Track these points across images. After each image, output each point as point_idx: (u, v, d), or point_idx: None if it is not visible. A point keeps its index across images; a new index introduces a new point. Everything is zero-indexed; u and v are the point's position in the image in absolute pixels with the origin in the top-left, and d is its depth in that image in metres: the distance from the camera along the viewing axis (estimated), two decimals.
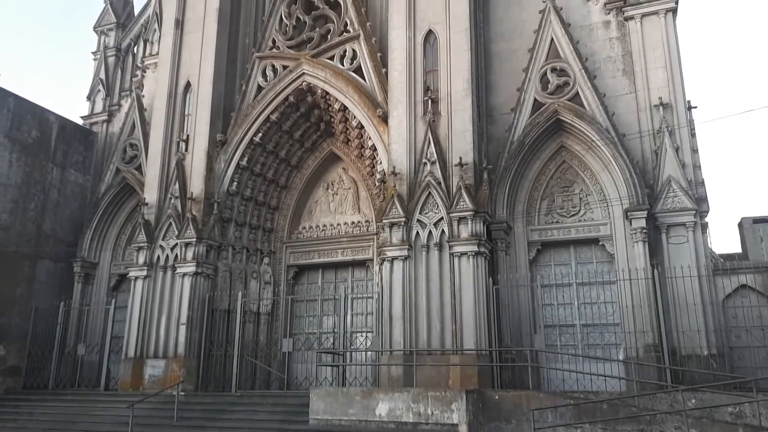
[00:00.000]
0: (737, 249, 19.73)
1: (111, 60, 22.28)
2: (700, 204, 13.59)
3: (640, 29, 14.99)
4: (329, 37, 17.64)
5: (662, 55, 14.57)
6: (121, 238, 20.42)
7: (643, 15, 15.07)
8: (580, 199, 14.99)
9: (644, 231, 13.54)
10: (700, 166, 14.01)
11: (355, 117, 16.88)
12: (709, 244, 14.02)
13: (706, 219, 13.81)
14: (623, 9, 15.35)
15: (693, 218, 13.32)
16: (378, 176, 16.46)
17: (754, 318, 13.01)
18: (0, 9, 54.10)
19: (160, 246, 17.24)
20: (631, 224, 13.76)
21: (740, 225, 19.36)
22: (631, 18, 15.19)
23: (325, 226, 18.71)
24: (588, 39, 15.57)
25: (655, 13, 14.95)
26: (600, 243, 14.57)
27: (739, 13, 52.98)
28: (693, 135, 14.24)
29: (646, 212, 13.51)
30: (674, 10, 14.91)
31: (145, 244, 17.30)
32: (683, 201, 13.33)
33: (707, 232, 13.85)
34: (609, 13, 15.64)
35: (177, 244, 16.95)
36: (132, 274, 17.40)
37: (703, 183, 13.90)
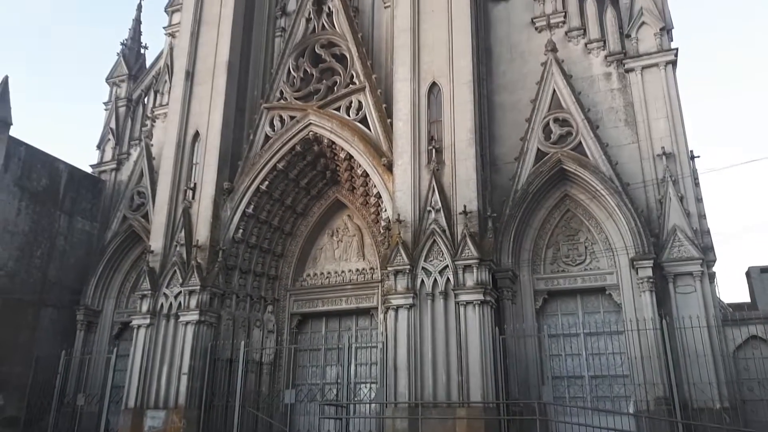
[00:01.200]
0: (745, 298, 19.52)
1: (122, 110, 22.79)
2: (707, 253, 13.51)
3: (640, 81, 15.28)
4: (336, 88, 18.02)
5: (663, 106, 14.80)
6: (126, 286, 20.39)
7: (644, 67, 15.38)
8: (586, 247, 14.95)
9: (651, 280, 13.43)
10: (705, 216, 14.02)
11: (360, 165, 17.05)
12: (717, 293, 13.89)
13: (714, 268, 13.71)
14: (624, 61, 15.69)
15: (700, 267, 13.22)
16: (383, 223, 16.49)
17: (766, 370, 12.72)
18: (16, 63, 55.79)
19: (164, 294, 17.17)
20: (637, 273, 13.66)
21: (748, 274, 19.20)
22: (632, 70, 15.50)
23: (329, 273, 18.64)
24: (590, 90, 15.85)
25: (656, 65, 15.26)
26: (607, 292, 14.44)
27: (741, 60, 54.01)
28: (697, 184, 14.32)
29: (652, 261, 13.43)
30: (674, 63, 15.23)
31: (149, 291, 17.23)
32: (689, 250, 13.27)
33: (715, 282, 13.73)
34: (610, 66, 15.98)
35: (181, 291, 16.89)
36: (135, 322, 17.26)
37: (708, 232, 13.87)
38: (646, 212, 14.12)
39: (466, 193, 14.73)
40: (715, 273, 13.76)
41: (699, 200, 14.18)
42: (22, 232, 18.94)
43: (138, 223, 19.82)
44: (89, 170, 22.13)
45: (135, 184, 20.50)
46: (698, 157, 14.86)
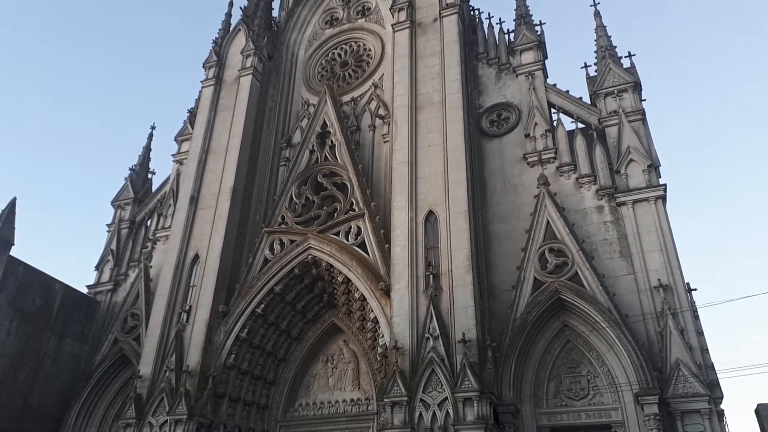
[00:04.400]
0: None
1: (124, 232, 23.15)
2: (713, 389, 13.11)
3: (632, 214, 15.71)
4: (336, 214, 18.49)
5: (656, 239, 15.11)
6: (110, 413, 19.43)
7: (635, 201, 15.88)
8: (588, 381, 14.53)
9: (658, 418, 12.92)
10: (707, 349, 13.78)
11: (357, 289, 17.05)
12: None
13: (722, 405, 13.23)
14: (615, 196, 16.23)
15: (707, 405, 12.77)
16: (379, 350, 16.14)
17: None
18: (23, 179, 57.54)
19: (149, 423, 16.36)
20: (643, 410, 13.17)
21: (757, 412, 18.39)
22: (623, 204, 15.99)
23: (322, 403, 17.90)
24: (583, 222, 16.27)
25: (646, 200, 15.78)
26: (612, 429, 13.81)
27: (733, 193, 55.96)
28: (696, 317, 14.23)
29: (657, 397, 13.00)
30: (663, 198, 15.77)
31: (134, 420, 16.43)
32: (695, 386, 12.89)
33: (724, 420, 13.18)
34: (602, 199, 16.51)
35: (167, 421, 16.09)
36: None
37: (713, 367, 13.56)
38: (647, 345, 13.90)
39: (464, 320, 14.60)
40: (723, 411, 13.26)
41: (700, 333, 14.00)
42: (9, 354, 18.40)
43: (129, 346, 19.35)
44: (85, 290, 22.02)
45: (130, 305, 20.31)
46: (695, 289, 14.88)
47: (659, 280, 14.51)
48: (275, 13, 26.03)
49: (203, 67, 23.98)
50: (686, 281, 14.71)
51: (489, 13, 21.86)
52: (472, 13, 22.47)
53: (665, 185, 15.87)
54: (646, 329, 14.13)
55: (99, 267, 22.64)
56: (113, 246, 22.71)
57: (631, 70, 18.28)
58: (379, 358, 16.15)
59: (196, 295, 18.37)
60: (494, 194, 17.79)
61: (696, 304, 14.58)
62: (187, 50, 72.34)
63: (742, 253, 53.44)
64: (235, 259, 19.30)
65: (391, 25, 21.15)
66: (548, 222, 15.97)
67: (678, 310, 13.94)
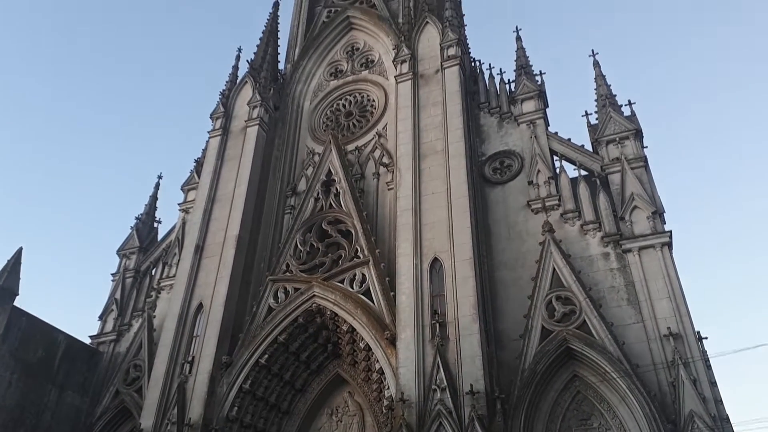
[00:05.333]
0: None
1: (129, 281, 23.07)
2: None
3: (639, 261, 15.59)
4: (340, 262, 18.45)
5: (664, 286, 14.93)
6: None
7: (640, 248, 15.77)
8: None
9: None
10: (721, 400, 13.41)
11: (362, 339, 16.84)
12: None
13: None
14: (620, 242, 16.14)
15: None
16: (385, 402, 15.80)
17: None
18: (28, 226, 57.92)
19: None
20: None
21: None
22: (629, 251, 15.89)
23: None
24: (589, 269, 16.14)
25: (651, 246, 15.68)
26: None
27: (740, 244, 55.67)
28: (708, 367, 13.90)
29: None
30: (669, 244, 15.66)
31: None
32: None
33: None
34: (607, 246, 16.42)
35: None
36: None
37: (728, 419, 13.16)
38: (660, 396, 13.55)
39: (472, 370, 14.34)
40: None
41: (713, 384, 13.65)
42: (8, 408, 18.09)
43: (131, 398, 19.01)
44: (88, 341, 21.80)
45: (133, 356, 20.06)
46: (706, 338, 14.58)
47: (669, 328, 14.27)
48: (281, 66, 26.72)
49: (210, 117, 24.44)
50: (696, 329, 14.45)
51: (490, 64, 22.35)
52: (473, 64, 23.00)
53: (670, 231, 15.81)
54: (657, 379, 13.80)
55: (102, 317, 22.49)
56: (117, 295, 22.62)
57: (632, 118, 18.51)
58: (385, 411, 15.78)
59: (199, 346, 18.16)
60: (499, 241, 17.74)
61: (708, 353, 14.29)
62: (195, 101, 74.04)
63: (753, 301, 52.75)
64: (239, 308, 19.17)
65: (394, 77, 21.65)
66: (554, 269, 15.85)
67: (689, 360, 13.64)
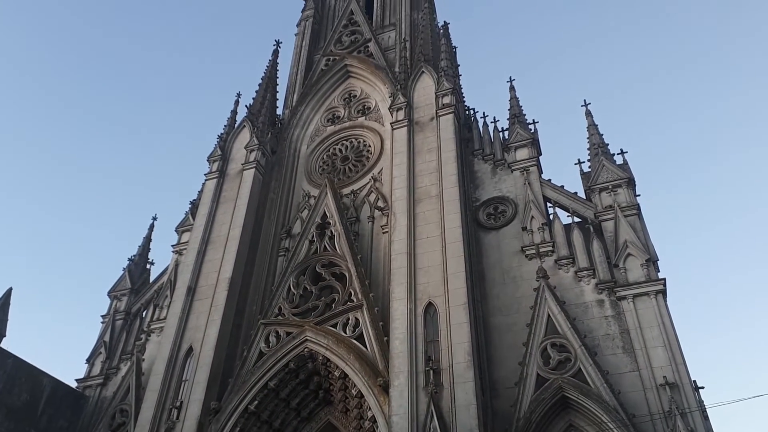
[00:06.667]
0: None
1: (119, 323, 22.72)
2: None
3: (633, 309, 15.53)
4: (333, 305, 18.29)
5: (659, 334, 14.84)
6: None
7: (635, 296, 15.74)
8: None
9: None
10: None
11: (355, 385, 16.53)
12: None
13: None
14: (615, 290, 16.12)
15: None
16: None
17: None
18: (14, 270, 57.37)
19: None
20: None
21: None
22: (624, 298, 15.85)
23: None
24: (584, 316, 16.06)
25: (646, 294, 15.66)
26: None
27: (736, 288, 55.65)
28: (706, 417, 13.71)
29: None
30: (663, 292, 15.65)
31: None
32: None
33: None
34: (602, 293, 16.38)
35: None
36: None
37: None
38: None
39: (466, 420, 14.06)
40: None
41: None
42: None
43: None
44: (74, 384, 21.29)
45: (119, 401, 19.53)
46: (702, 387, 14.42)
47: (665, 377, 14.11)
48: (279, 111, 27.18)
49: (207, 160, 24.66)
50: (693, 379, 14.30)
51: (484, 112, 22.82)
52: (467, 112, 23.48)
53: (664, 279, 15.83)
54: (654, 430, 13.54)
55: (90, 360, 22.03)
56: (106, 338, 22.23)
57: (625, 167, 18.80)
58: None
59: (187, 391, 17.76)
60: (494, 286, 17.70)
61: (705, 403, 14.10)
62: (192, 144, 74.75)
63: (750, 350, 52.38)
64: (230, 352, 18.86)
65: (390, 124, 22.03)
66: (549, 316, 15.76)
67: (687, 410, 13.44)
